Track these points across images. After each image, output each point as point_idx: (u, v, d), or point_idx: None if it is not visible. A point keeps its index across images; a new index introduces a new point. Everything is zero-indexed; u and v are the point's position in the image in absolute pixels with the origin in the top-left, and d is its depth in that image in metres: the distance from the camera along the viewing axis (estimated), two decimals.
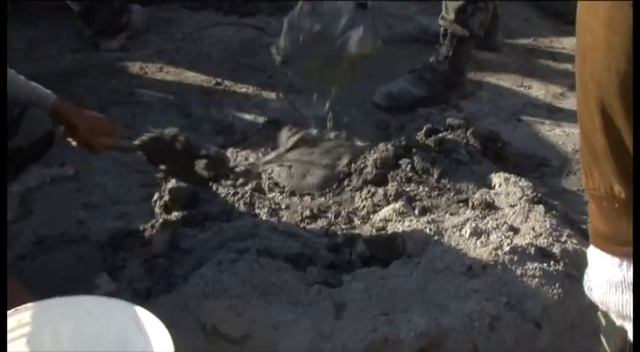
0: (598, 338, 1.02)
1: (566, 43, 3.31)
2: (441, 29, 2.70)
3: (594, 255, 0.88)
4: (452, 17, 2.64)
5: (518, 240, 1.67)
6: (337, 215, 1.91)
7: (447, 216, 1.83)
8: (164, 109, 2.60)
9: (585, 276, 0.90)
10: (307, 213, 1.92)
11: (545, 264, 1.61)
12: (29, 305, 1.32)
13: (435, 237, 1.71)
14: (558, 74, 3.05)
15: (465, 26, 2.63)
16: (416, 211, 1.86)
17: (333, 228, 1.85)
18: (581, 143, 0.85)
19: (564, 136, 2.56)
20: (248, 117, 2.58)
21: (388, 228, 1.79)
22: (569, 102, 2.79)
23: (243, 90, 2.78)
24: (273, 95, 2.74)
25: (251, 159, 2.21)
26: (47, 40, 3.07)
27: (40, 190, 2.12)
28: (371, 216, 1.88)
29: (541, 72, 3.04)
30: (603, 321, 0.96)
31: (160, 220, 1.89)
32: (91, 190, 2.15)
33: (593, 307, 1.03)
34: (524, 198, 1.86)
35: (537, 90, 2.91)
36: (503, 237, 1.68)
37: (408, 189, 1.95)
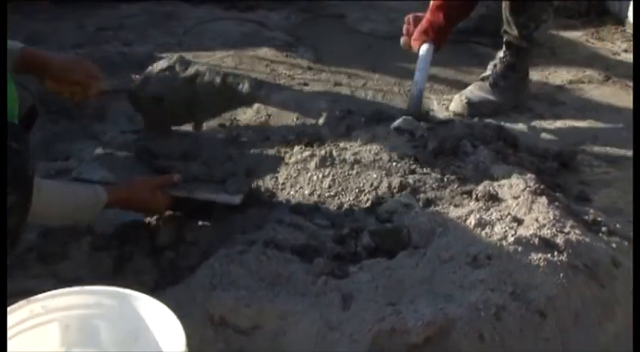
0: (602, 328, 1.02)
1: (566, 37, 3.32)
2: (504, 40, 2.69)
3: None
4: (515, 33, 2.63)
5: (522, 231, 1.68)
6: (341, 207, 1.92)
7: (452, 207, 1.84)
8: None
9: None
10: (312, 204, 1.93)
11: (549, 255, 1.62)
12: (40, 296, 1.32)
13: (440, 229, 1.72)
14: (559, 68, 3.07)
15: (530, 41, 2.65)
16: (420, 203, 1.87)
17: (338, 219, 1.85)
18: None
19: (565, 129, 2.58)
20: (250, 110, 2.59)
21: (393, 220, 1.80)
22: (570, 96, 2.80)
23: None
24: (275, 88, 2.75)
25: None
26: (48, 35, 3.07)
27: None
28: (375, 208, 1.89)
29: (541, 65, 3.05)
30: None
31: (166, 213, 1.90)
32: None
33: (596, 297, 1.03)
34: (527, 189, 1.87)
35: (538, 83, 2.92)
36: (507, 227, 1.69)
37: (412, 181, 1.96)
